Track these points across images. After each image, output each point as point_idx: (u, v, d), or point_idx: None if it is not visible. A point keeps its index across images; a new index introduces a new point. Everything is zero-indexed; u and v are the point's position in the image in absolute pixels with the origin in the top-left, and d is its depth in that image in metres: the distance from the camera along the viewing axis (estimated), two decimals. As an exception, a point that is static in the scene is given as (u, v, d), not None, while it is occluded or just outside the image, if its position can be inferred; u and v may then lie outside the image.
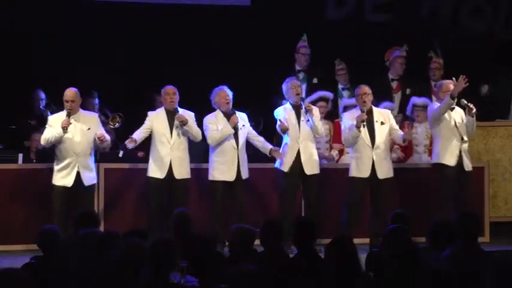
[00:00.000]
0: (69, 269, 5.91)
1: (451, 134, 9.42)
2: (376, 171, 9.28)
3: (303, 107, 9.36)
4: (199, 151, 9.99)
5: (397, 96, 11.18)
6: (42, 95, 11.08)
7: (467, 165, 9.48)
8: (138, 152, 9.93)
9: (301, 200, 9.58)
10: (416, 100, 10.52)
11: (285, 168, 9.34)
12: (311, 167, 9.39)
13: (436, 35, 11.76)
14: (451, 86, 9.33)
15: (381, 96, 10.19)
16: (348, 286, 5.27)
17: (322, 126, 9.74)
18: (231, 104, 9.37)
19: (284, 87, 9.55)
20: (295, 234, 6.26)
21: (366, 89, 9.38)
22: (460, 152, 9.43)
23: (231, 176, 9.26)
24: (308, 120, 9.36)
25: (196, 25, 11.95)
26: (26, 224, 9.25)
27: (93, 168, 9.13)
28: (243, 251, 6.31)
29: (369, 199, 9.46)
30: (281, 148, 9.43)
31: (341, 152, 10.53)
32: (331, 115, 10.70)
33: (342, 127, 9.61)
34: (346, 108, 10.32)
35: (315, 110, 9.49)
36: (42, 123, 9.24)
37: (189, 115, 9.33)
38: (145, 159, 9.45)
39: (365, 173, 9.30)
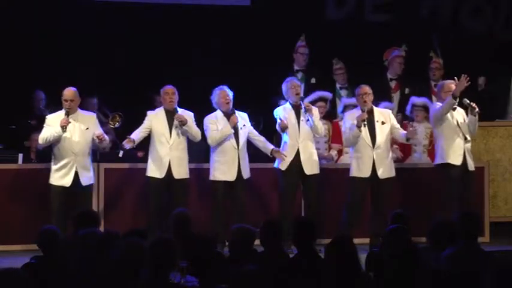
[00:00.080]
0: (69, 269, 5.91)
1: (454, 133, 9.42)
2: (377, 171, 9.29)
3: (303, 106, 9.36)
4: (199, 151, 9.99)
5: (396, 96, 11.20)
6: (42, 95, 11.08)
7: (471, 165, 9.49)
8: (138, 152, 9.92)
9: (301, 200, 9.58)
10: (415, 100, 10.53)
11: (285, 167, 9.33)
12: (311, 167, 9.39)
13: (435, 32, 11.76)
14: (453, 86, 9.33)
15: (380, 96, 10.19)
16: (348, 286, 5.27)
17: (322, 126, 9.74)
18: (231, 104, 9.37)
19: (284, 87, 9.55)
20: (295, 234, 6.26)
21: (366, 88, 9.38)
22: (464, 151, 9.43)
23: (231, 176, 9.26)
24: (308, 120, 9.36)
25: (196, 25, 11.95)
26: (26, 224, 9.25)
27: (91, 168, 9.12)
28: (243, 251, 6.31)
29: (369, 199, 9.46)
30: (281, 147, 9.43)
31: (340, 152, 10.54)
32: (330, 115, 10.71)
33: (343, 127, 9.62)
34: (346, 107, 10.32)
35: (315, 110, 9.49)
36: (42, 123, 9.24)
37: (188, 115, 9.33)
38: (145, 159, 9.44)
39: (366, 173, 9.30)
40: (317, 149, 9.76)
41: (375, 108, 9.52)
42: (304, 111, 9.35)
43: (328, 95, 10.55)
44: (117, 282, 5.27)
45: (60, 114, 9.04)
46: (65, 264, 6.02)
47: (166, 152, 9.23)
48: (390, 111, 9.77)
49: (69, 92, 9.05)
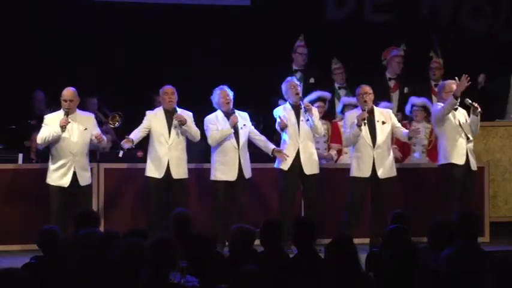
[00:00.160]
0: (69, 269, 5.91)
1: (456, 133, 9.41)
2: (377, 171, 9.28)
3: (302, 106, 9.36)
4: (198, 151, 9.99)
5: (395, 96, 11.20)
6: (42, 95, 11.08)
7: (473, 165, 9.49)
8: (138, 151, 9.93)
9: (301, 200, 9.58)
10: (415, 100, 10.54)
11: (285, 166, 9.34)
12: (311, 166, 9.39)
13: (435, 32, 11.76)
14: (454, 86, 9.33)
15: (379, 96, 10.19)
16: (348, 286, 5.27)
17: (322, 126, 9.74)
18: (231, 103, 9.37)
19: (283, 87, 9.55)
20: (295, 234, 6.26)
21: (367, 88, 9.38)
22: (467, 151, 9.44)
23: (232, 176, 9.26)
24: (308, 120, 9.36)
25: (196, 25, 11.96)
26: (26, 224, 9.25)
27: (89, 169, 9.13)
28: (243, 251, 6.30)
29: (369, 199, 9.46)
30: (280, 147, 9.43)
31: (339, 152, 10.55)
32: (329, 115, 10.71)
33: (343, 127, 9.62)
34: (346, 107, 10.33)
35: (314, 110, 9.49)
36: (42, 123, 9.23)
37: (187, 115, 9.33)
38: (145, 159, 9.44)
39: (366, 173, 9.30)
40: (316, 149, 9.76)
41: (375, 108, 9.52)
42: (304, 111, 9.35)
43: (327, 95, 10.56)
44: (117, 282, 5.27)
45: (59, 114, 9.04)
46: (65, 264, 6.02)
47: (165, 152, 9.23)
48: (391, 111, 9.78)
49: (68, 92, 9.05)
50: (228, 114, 9.34)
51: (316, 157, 9.50)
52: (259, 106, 10.67)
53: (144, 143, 9.42)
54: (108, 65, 11.59)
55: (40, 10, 11.59)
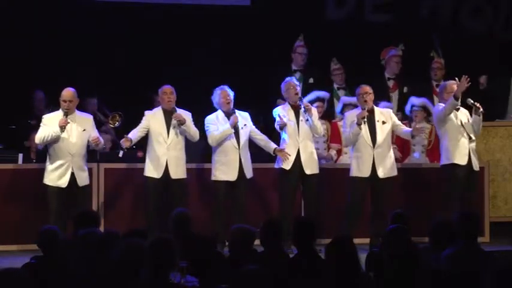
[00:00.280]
0: (69, 269, 5.91)
1: (458, 134, 9.41)
2: (377, 171, 9.29)
3: (302, 106, 9.36)
4: (197, 151, 9.99)
5: (395, 95, 11.22)
6: (42, 95, 11.08)
7: (476, 165, 9.49)
8: (138, 152, 9.93)
9: (301, 199, 9.57)
10: (415, 100, 10.54)
11: (287, 166, 9.33)
12: (311, 166, 9.39)
13: (436, 32, 11.76)
14: (455, 87, 9.33)
15: (378, 96, 10.20)
16: (348, 286, 5.27)
17: (321, 126, 9.73)
18: (232, 103, 9.37)
19: (283, 87, 9.55)
20: (295, 234, 6.26)
21: (367, 88, 9.39)
22: (469, 151, 9.43)
23: (233, 176, 9.26)
24: (307, 120, 9.36)
25: (196, 25, 11.95)
26: (25, 224, 9.25)
27: (86, 169, 9.12)
28: (243, 251, 6.30)
29: (369, 199, 9.46)
30: (280, 146, 9.43)
31: (339, 152, 10.55)
32: (328, 115, 10.71)
33: (343, 127, 9.62)
34: (346, 106, 10.33)
35: (314, 110, 9.49)
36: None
37: (186, 115, 9.33)
38: (144, 159, 9.44)
39: (365, 173, 9.30)
40: (316, 149, 9.76)
41: (375, 108, 9.52)
42: (304, 111, 9.35)
43: (325, 94, 10.56)
44: (117, 282, 5.27)
45: (58, 114, 9.03)
46: (65, 264, 6.02)
47: (163, 152, 9.23)
48: (391, 111, 9.78)
49: (67, 92, 9.04)
50: (228, 114, 9.34)
51: (316, 157, 9.50)
52: (259, 106, 10.66)
53: (144, 143, 9.41)
54: (108, 65, 11.59)
55: (40, 10, 11.59)
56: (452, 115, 9.39)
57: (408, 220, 7.06)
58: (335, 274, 5.30)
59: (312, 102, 10.07)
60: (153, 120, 9.31)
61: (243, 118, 9.43)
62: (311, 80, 11.15)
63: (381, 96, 10.46)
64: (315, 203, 9.43)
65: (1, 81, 11.13)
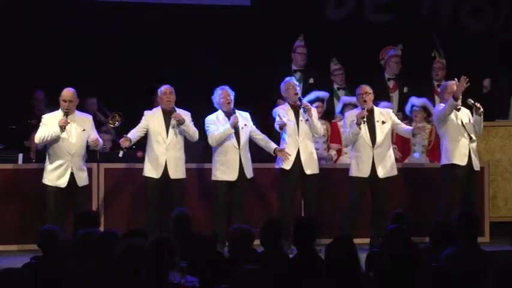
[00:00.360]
0: (69, 269, 5.91)
1: (459, 134, 9.41)
2: (377, 171, 9.29)
3: (302, 106, 9.36)
4: (197, 151, 9.99)
5: (395, 96, 11.21)
6: (42, 95, 11.08)
7: (476, 165, 9.48)
8: (138, 152, 9.93)
9: (301, 199, 9.57)
10: (415, 101, 10.53)
11: (287, 166, 9.32)
12: (311, 166, 9.39)
13: (435, 32, 11.76)
14: (455, 87, 9.33)
15: (379, 96, 10.20)
16: (348, 286, 5.27)
17: (321, 126, 9.73)
18: (232, 103, 9.36)
19: (282, 87, 9.55)
20: (295, 234, 6.26)
21: (366, 88, 9.39)
22: (469, 151, 9.43)
23: (233, 176, 9.26)
24: (307, 120, 9.36)
25: (196, 25, 11.95)
26: (25, 224, 9.26)
27: (85, 169, 9.12)
28: (242, 251, 6.30)
29: (369, 199, 9.46)
30: (280, 146, 9.43)
31: (339, 152, 10.55)
32: (328, 115, 10.71)
33: (343, 127, 9.62)
34: (346, 106, 10.33)
35: (313, 110, 9.50)
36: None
37: (185, 114, 9.33)
38: (144, 159, 9.44)
39: (365, 173, 9.30)
40: (316, 149, 9.76)
41: (375, 108, 9.52)
42: (304, 111, 9.35)
43: (325, 94, 10.55)
44: (117, 282, 5.27)
45: (57, 114, 9.03)
46: (65, 264, 6.02)
47: (162, 152, 9.22)
48: (390, 110, 9.78)
49: (67, 92, 9.04)
50: (228, 114, 9.34)
51: (315, 157, 9.50)
52: (259, 106, 10.66)
53: (144, 143, 9.41)
54: (108, 65, 11.59)
55: (40, 10, 11.59)
56: (452, 115, 9.39)
57: (408, 220, 7.06)
58: (335, 274, 5.30)
59: (311, 102, 10.06)
60: (152, 120, 9.31)
61: (243, 118, 9.43)
62: (311, 80, 11.15)
63: (381, 96, 10.46)
64: (315, 203, 9.43)
65: (1, 81, 11.13)
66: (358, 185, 9.34)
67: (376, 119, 9.41)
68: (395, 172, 9.42)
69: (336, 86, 11.28)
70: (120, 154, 9.33)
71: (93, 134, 9.08)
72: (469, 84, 9.26)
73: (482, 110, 9.38)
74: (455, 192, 9.36)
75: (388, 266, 5.48)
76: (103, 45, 11.59)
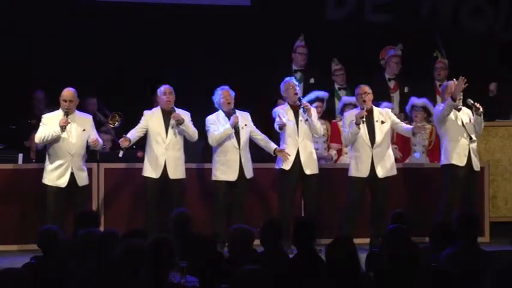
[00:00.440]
0: (69, 269, 5.91)
1: (459, 134, 9.41)
2: (376, 170, 9.29)
3: (301, 106, 9.36)
4: (197, 151, 9.99)
5: (396, 96, 11.21)
6: (42, 95, 11.08)
7: (476, 165, 9.48)
8: (138, 152, 9.93)
9: (301, 200, 9.57)
10: (415, 101, 10.53)
11: (287, 166, 9.33)
12: (310, 166, 9.39)
13: (436, 32, 11.76)
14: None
15: (379, 96, 10.20)
16: (348, 286, 5.27)
17: (321, 126, 9.73)
18: (232, 104, 9.37)
19: (282, 87, 9.56)
20: (295, 234, 6.26)
21: (366, 88, 9.39)
22: (469, 151, 9.43)
23: (233, 176, 9.26)
24: (307, 120, 9.36)
25: (196, 25, 11.95)
26: (25, 224, 9.26)
27: (85, 169, 9.12)
28: (242, 251, 6.30)
29: (369, 199, 9.46)
30: (280, 146, 9.43)
31: (339, 152, 10.56)
32: (329, 115, 10.71)
33: (343, 127, 9.62)
34: (346, 106, 10.33)
35: (313, 110, 9.50)
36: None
37: (185, 114, 9.33)
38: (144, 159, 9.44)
39: (364, 173, 9.30)
40: (316, 149, 9.76)
41: (374, 108, 9.52)
42: (303, 111, 9.35)
43: (324, 94, 10.55)
44: (117, 282, 5.27)
45: (57, 114, 9.03)
46: (65, 264, 6.02)
47: (162, 152, 9.22)
48: (389, 110, 9.78)
49: (68, 92, 9.04)
50: (229, 114, 9.34)
51: (315, 157, 9.51)
52: (259, 106, 10.66)
53: (144, 143, 9.41)
54: (108, 65, 11.59)
55: (40, 10, 11.59)
56: (452, 115, 9.39)
57: (408, 220, 7.06)
58: (335, 274, 5.30)
59: (311, 102, 10.07)
60: (151, 120, 9.31)
61: (244, 118, 9.43)
62: (312, 80, 11.15)
63: (382, 96, 10.46)
64: (314, 203, 9.43)
65: (1, 81, 11.13)
66: (358, 185, 9.34)
67: (375, 118, 9.41)
68: (394, 172, 9.42)
69: (337, 86, 11.29)
70: (120, 154, 9.32)
71: (93, 134, 9.09)
72: (467, 84, 9.26)
73: (481, 110, 9.38)
74: (455, 192, 9.37)
75: (388, 266, 5.48)
76: (103, 45, 11.59)
